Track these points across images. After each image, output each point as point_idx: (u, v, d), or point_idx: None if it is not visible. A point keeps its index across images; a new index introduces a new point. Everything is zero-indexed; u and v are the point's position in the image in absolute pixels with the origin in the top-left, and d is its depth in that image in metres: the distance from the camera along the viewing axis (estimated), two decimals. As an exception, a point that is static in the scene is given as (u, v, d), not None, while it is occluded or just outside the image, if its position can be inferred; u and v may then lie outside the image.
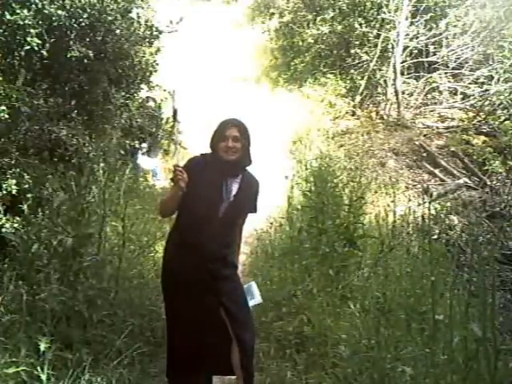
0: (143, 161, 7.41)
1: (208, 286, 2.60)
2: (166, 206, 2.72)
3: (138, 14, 5.71)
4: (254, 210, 2.79)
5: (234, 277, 2.75)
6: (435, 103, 11.66)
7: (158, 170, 8.02)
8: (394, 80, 11.23)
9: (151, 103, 7.27)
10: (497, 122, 10.76)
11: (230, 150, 2.60)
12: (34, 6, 4.35)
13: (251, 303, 2.79)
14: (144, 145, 7.26)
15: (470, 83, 11.37)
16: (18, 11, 4.22)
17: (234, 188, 2.65)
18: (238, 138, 2.62)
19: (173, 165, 2.52)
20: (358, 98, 11.74)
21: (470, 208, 7.71)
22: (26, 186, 3.85)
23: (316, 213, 4.36)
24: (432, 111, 11.60)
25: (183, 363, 2.66)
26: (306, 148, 9.05)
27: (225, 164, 2.62)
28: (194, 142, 8.82)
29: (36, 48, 4.34)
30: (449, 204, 7.76)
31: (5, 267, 2.90)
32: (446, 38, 11.40)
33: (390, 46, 11.47)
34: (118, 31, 5.26)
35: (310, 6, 13.20)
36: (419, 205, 6.08)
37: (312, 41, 12.62)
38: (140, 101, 6.91)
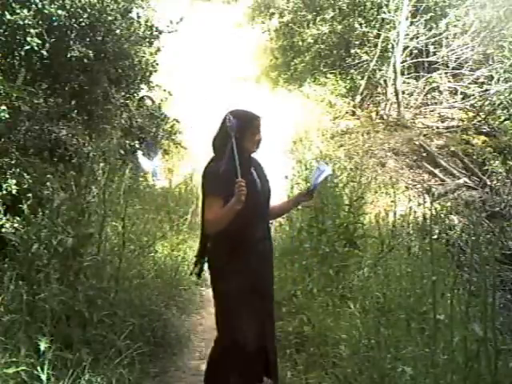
0: (143, 162, 7.41)
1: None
2: (225, 221, 2.46)
3: (137, 14, 5.72)
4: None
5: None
6: (435, 103, 11.67)
7: (157, 170, 8.01)
8: (394, 80, 11.23)
9: (148, 102, 7.26)
10: (497, 122, 10.76)
11: (259, 143, 2.63)
12: (34, 5, 4.36)
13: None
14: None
15: (470, 83, 11.37)
16: (18, 11, 4.22)
17: (256, 177, 2.65)
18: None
19: (237, 180, 2.37)
20: (358, 98, 11.75)
21: (470, 208, 7.72)
22: (26, 185, 3.84)
23: (316, 213, 4.35)
24: (432, 111, 11.61)
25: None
26: (306, 148, 9.05)
27: (249, 158, 2.62)
28: (194, 141, 8.84)
29: (36, 48, 4.34)
30: (449, 204, 7.76)
31: (5, 267, 2.89)
32: (446, 38, 11.40)
33: (390, 46, 11.48)
34: (118, 31, 5.26)
35: (310, 6, 13.20)
36: (419, 205, 6.08)
37: (312, 41, 12.64)
38: (137, 100, 6.90)
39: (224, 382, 2.65)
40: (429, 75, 11.57)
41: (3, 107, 3.63)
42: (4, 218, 3.58)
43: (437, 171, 9.40)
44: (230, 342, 2.57)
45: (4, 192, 3.72)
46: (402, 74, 11.55)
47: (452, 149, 10.01)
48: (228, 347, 2.60)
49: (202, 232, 2.70)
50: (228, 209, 2.43)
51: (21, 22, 4.21)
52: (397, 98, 11.29)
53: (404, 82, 11.62)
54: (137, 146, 6.26)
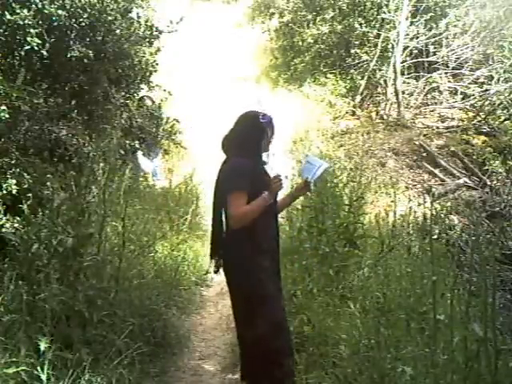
0: (143, 162, 7.42)
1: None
2: (254, 216, 2.54)
3: (137, 14, 5.72)
4: None
5: None
6: (435, 103, 11.68)
7: (158, 170, 8.02)
8: (394, 80, 11.23)
9: (148, 102, 7.26)
10: (497, 122, 10.76)
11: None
12: (34, 5, 4.35)
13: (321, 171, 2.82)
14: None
15: (470, 83, 11.38)
16: (18, 11, 4.22)
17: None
18: None
19: (274, 175, 2.57)
20: (358, 98, 11.75)
21: (470, 208, 7.72)
22: (26, 185, 3.84)
23: (316, 213, 4.35)
24: (432, 111, 11.61)
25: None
26: (306, 148, 9.05)
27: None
28: (195, 141, 8.85)
29: (36, 48, 4.34)
30: (449, 204, 7.76)
31: (5, 267, 2.89)
32: (446, 38, 11.41)
33: (390, 46, 11.48)
34: (118, 31, 5.26)
35: (310, 5, 13.20)
36: (419, 205, 6.08)
37: (312, 41, 12.64)
38: (137, 100, 6.91)
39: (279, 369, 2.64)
40: (429, 75, 11.57)
41: (3, 107, 3.63)
42: (4, 217, 3.58)
43: (437, 171, 9.40)
44: (270, 331, 2.62)
45: (4, 192, 3.72)
46: (402, 74, 11.55)
47: (452, 149, 10.01)
48: (267, 338, 2.64)
49: (214, 231, 2.77)
50: (258, 203, 2.53)
51: (21, 22, 4.21)
52: (397, 98, 11.29)
53: (404, 82, 11.62)
54: (137, 145, 6.27)
